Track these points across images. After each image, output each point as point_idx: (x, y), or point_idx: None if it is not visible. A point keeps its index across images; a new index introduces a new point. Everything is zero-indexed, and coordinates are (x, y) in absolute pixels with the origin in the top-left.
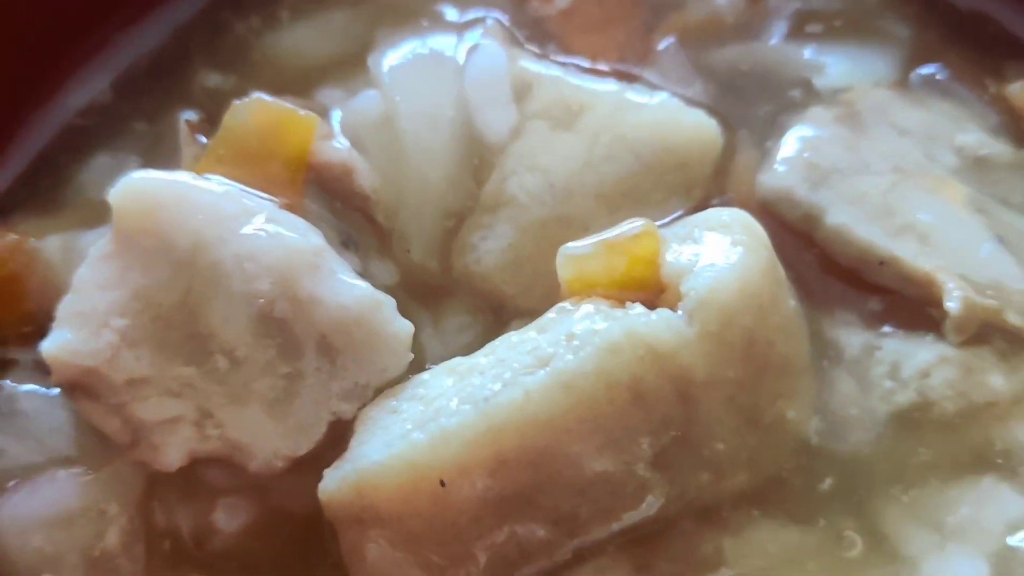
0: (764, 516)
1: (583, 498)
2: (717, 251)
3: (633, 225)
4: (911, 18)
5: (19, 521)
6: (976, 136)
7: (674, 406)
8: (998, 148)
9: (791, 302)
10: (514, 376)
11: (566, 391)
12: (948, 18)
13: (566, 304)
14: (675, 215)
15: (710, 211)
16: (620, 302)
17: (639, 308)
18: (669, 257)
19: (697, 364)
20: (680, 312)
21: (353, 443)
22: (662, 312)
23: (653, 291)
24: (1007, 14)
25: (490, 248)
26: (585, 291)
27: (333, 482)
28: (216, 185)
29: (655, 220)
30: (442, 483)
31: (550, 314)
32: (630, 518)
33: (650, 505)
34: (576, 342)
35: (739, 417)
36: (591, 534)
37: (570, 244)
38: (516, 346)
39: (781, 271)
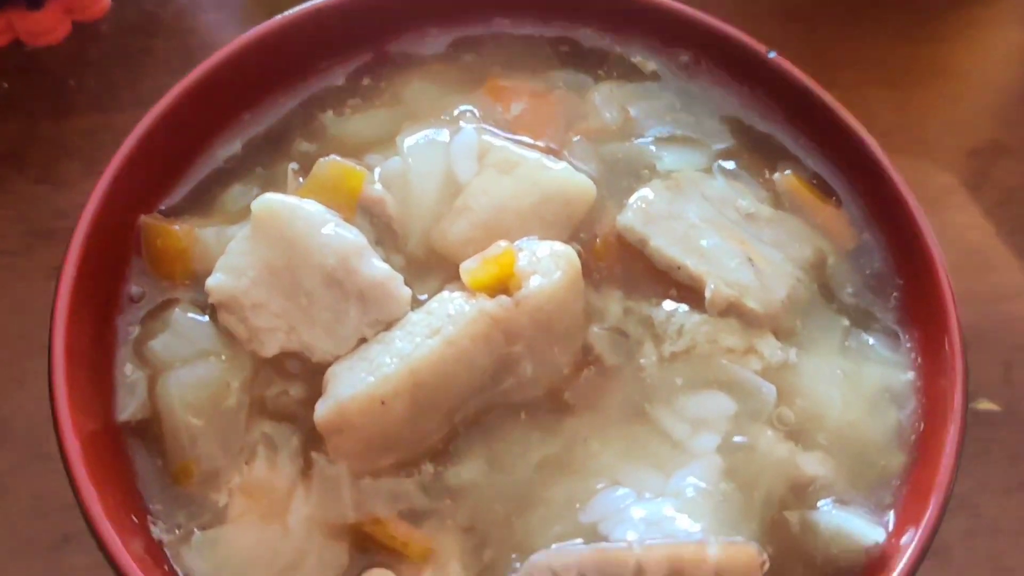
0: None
1: (458, 399)
2: (546, 268)
3: (499, 246)
4: (725, 136)
5: (181, 386)
6: (749, 202)
7: (503, 346)
8: (762, 209)
9: (581, 305)
10: (421, 340)
11: (449, 346)
12: (748, 136)
13: (443, 293)
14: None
15: (554, 242)
16: (488, 292)
17: (484, 297)
18: (521, 262)
19: (515, 327)
20: (512, 299)
21: (329, 390)
22: (500, 298)
23: (511, 281)
24: (783, 135)
25: (454, 233)
26: (478, 289)
27: (322, 408)
28: (309, 204)
29: (545, 236)
30: (383, 403)
31: (433, 303)
32: (476, 406)
33: (487, 400)
34: (453, 317)
35: (534, 355)
36: (459, 416)
37: (464, 263)
38: (417, 323)
39: (582, 287)
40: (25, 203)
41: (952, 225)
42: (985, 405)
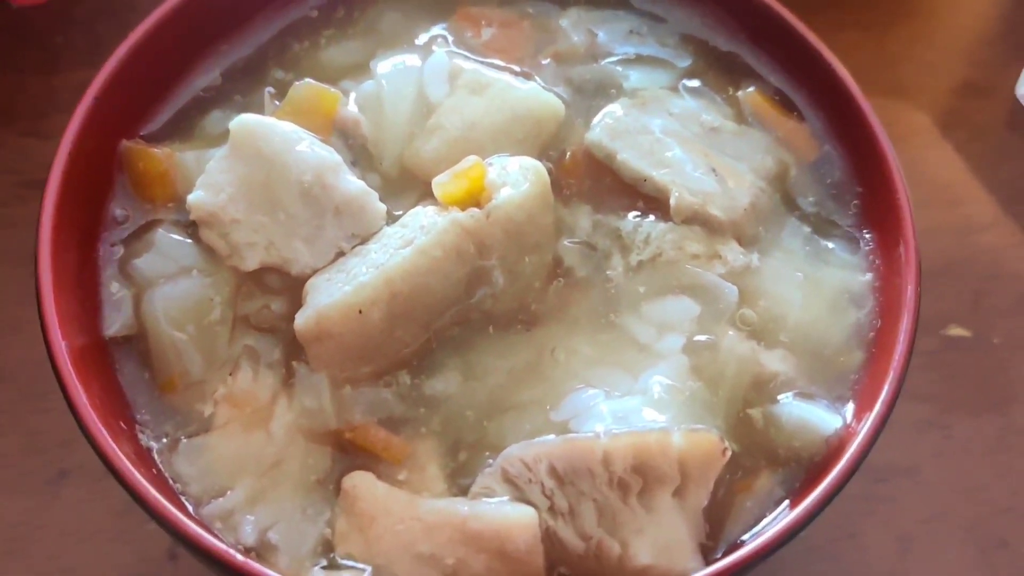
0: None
1: (433, 310)
2: (515, 180)
3: (469, 160)
4: (689, 56)
5: (166, 301)
6: (713, 117)
7: (476, 259)
8: (726, 124)
9: (550, 217)
10: (395, 251)
11: (422, 255)
12: (712, 55)
13: (417, 208)
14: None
15: (523, 157)
16: (460, 205)
17: (456, 209)
18: (491, 175)
19: (487, 238)
20: (483, 210)
21: (309, 300)
22: (471, 210)
23: (482, 194)
24: (746, 54)
25: (427, 151)
26: (450, 202)
27: (302, 318)
28: (286, 124)
29: (516, 153)
30: (360, 311)
31: (407, 217)
32: (451, 317)
33: (461, 313)
34: (425, 228)
35: (505, 267)
36: (435, 326)
37: (436, 177)
38: (392, 236)
39: (551, 199)
40: (14, 156)
41: (924, 161)
42: (956, 331)
